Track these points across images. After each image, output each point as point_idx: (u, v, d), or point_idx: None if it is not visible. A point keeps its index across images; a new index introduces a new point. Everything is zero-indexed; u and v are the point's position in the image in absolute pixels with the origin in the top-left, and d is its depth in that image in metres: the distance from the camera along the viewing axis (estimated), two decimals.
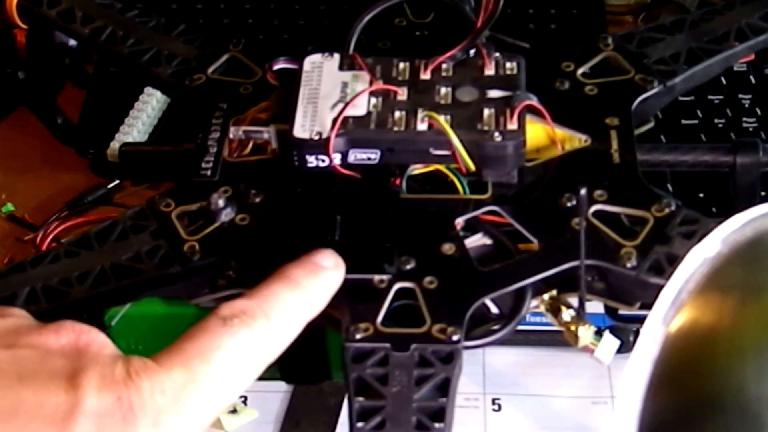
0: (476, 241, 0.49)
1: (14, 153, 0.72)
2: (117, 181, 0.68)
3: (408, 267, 0.47)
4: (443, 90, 0.51)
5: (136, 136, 0.68)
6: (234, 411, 0.59)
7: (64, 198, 0.68)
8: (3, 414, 0.35)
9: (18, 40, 0.68)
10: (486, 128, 0.49)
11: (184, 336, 0.39)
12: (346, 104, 0.50)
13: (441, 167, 0.50)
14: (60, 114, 0.70)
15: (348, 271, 0.45)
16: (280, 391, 0.60)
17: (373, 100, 0.51)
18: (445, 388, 0.43)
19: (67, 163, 0.70)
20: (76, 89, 0.74)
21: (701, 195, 0.64)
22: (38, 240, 0.66)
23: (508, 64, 0.52)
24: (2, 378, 0.36)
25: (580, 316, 0.47)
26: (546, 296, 0.48)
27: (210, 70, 0.57)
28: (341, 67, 0.53)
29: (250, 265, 0.48)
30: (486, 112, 0.50)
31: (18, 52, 0.68)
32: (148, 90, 0.71)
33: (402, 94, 0.51)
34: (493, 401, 0.59)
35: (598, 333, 0.47)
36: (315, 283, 0.44)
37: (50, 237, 0.66)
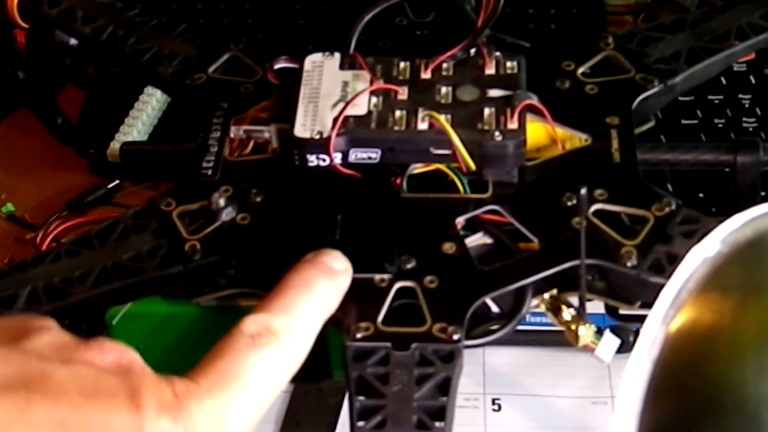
0: (477, 240, 0.49)
1: (14, 153, 0.72)
2: (117, 181, 0.68)
3: (408, 266, 0.47)
4: (444, 89, 0.51)
5: (136, 135, 0.68)
6: None
7: (64, 198, 0.68)
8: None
9: (18, 40, 0.68)
10: (486, 127, 0.49)
11: (215, 354, 0.39)
12: (347, 103, 0.50)
13: (441, 166, 0.50)
14: (60, 114, 0.70)
15: None
16: (280, 390, 0.60)
17: (374, 100, 0.51)
18: (445, 387, 0.43)
19: (67, 163, 0.70)
20: (76, 89, 0.74)
21: (701, 194, 0.64)
22: (38, 240, 0.66)
23: (508, 64, 0.52)
24: (70, 396, 0.36)
25: (581, 315, 0.47)
26: (546, 295, 0.48)
27: (211, 70, 0.57)
28: (342, 67, 0.53)
29: (251, 264, 0.48)
30: (486, 111, 0.50)
31: (18, 52, 0.68)
32: (148, 90, 0.71)
33: (402, 93, 0.51)
34: (493, 401, 0.59)
35: (599, 332, 0.47)
36: (331, 288, 0.44)
37: (50, 237, 0.66)
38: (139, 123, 0.69)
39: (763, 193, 0.56)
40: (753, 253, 0.41)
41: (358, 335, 0.45)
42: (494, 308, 0.48)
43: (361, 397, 0.43)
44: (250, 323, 0.40)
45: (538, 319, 0.59)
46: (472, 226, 0.50)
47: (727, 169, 0.55)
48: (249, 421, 0.39)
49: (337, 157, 0.50)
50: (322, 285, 0.43)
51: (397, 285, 0.47)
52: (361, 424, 0.42)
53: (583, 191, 0.46)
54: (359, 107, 0.50)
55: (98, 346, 0.38)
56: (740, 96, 0.70)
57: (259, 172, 0.52)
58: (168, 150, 0.58)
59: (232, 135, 0.53)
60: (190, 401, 0.37)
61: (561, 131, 0.52)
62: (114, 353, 0.38)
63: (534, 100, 0.51)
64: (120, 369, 0.37)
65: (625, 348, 0.47)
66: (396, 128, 0.50)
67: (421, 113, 0.50)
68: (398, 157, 0.50)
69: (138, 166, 0.61)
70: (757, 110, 0.69)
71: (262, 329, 0.40)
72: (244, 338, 0.40)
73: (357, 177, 0.50)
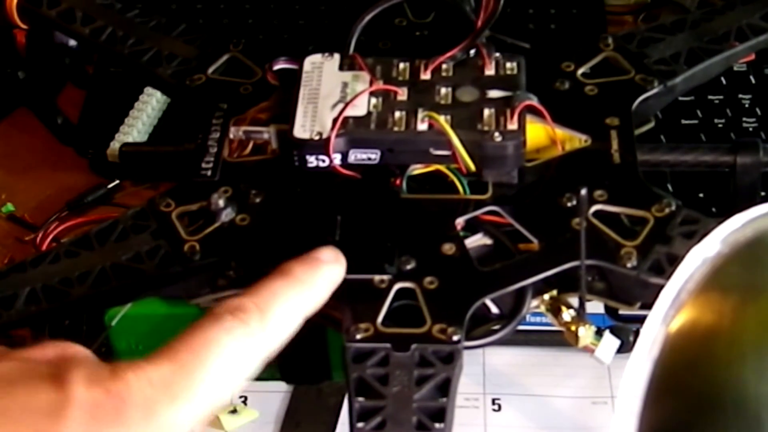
0: (476, 241, 0.49)
1: (14, 153, 0.73)
2: (117, 181, 0.68)
3: (408, 267, 0.47)
4: (443, 90, 0.51)
5: (136, 136, 0.68)
6: (234, 411, 0.59)
7: (64, 198, 0.68)
8: None
9: (18, 40, 0.68)
10: (486, 128, 0.49)
11: (177, 335, 0.39)
12: (347, 104, 0.50)
13: (441, 167, 0.50)
14: (60, 114, 0.70)
15: (348, 271, 0.45)
16: (280, 391, 0.60)
17: (374, 100, 0.51)
18: (445, 388, 0.43)
19: (67, 163, 0.70)
20: (76, 89, 0.74)
21: (701, 195, 0.64)
22: (38, 240, 0.66)
23: (508, 64, 0.52)
24: None
25: (581, 316, 0.47)
26: (546, 296, 0.48)
27: (210, 70, 0.57)
28: (341, 67, 0.53)
29: (250, 265, 0.48)
30: (486, 112, 0.50)
31: (18, 52, 0.68)
32: (148, 90, 0.71)
33: (402, 94, 0.51)
34: (493, 401, 0.59)
35: (599, 333, 0.47)
36: (314, 277, 0.43)
37: (50, 237, 0.66)
38: (139, 123, 0.69)
39: (763, 194, 0.56)
40: (753, 253, 0.41)
41: (358, 336, 0.45)
42: (494, 309, 0.48)
43: (360, 398, 0.43)
44: (219, 306, 0.40)
45: (538, 319, 0.59)
46: (471, 227, 0.50)
47: (726, 170, 0.55)
48: (208, 395, 0.37)
49: (337, 158, 0.50)
50: (302, 273, 0.43)
51: (397, 286, 0.46)
52: (360, 425, 0.42)
53: (583, 192, 0.46)
54: (359, 108, 0.50)
55: (41, 346, 0.38)
56: (740, 96, 0.70)
57: (259, 173, 0.52)
58: (167, 151, 0.58)
59: (231, 136, 0.53)
60: (128, 373, 0.36)
61: (561, 132, 0.52)
62: (57, 349, 0.38)
63: (534, 101, 0.51)
64: (59, 359, 0.37)
65: (625, 348, 0.47)
66: (395, 129, 0.50)
67: (420, 114, 0.50)
68: (398, 158, 0.50)
69: (138, 167, 0.61)
70: (757, 110, 0.69)
71: (231, 308, 0.40)
72: (209, 318, 0.39)
73: (356, 178, 0.50)
